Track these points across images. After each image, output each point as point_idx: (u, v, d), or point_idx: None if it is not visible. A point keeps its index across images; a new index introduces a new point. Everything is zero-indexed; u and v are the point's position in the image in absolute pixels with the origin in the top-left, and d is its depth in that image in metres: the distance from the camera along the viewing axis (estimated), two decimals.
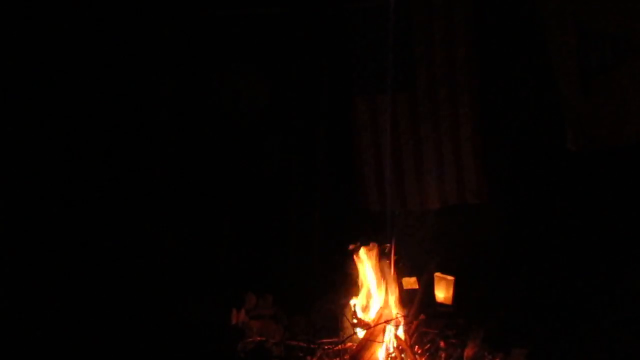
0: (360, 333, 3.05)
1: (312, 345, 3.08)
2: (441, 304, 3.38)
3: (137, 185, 3.91)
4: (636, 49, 3.22)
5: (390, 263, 3.16)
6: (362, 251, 3.15)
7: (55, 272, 3.56)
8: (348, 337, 3.06)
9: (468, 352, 2.90)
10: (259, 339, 3.18)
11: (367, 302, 3.16)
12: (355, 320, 3.08)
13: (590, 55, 3.31)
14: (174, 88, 4.01)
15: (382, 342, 2.93)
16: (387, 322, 2.98)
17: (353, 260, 3.17)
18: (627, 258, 3.43)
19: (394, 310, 3.05)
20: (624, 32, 3.23)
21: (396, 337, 2.98)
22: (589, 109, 3.31)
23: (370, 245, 3.16)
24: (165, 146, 4.01)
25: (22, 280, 3.46)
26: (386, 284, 3.10)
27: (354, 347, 2.98)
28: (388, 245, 3.21)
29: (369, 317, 3.10)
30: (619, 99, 3.24)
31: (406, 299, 3.18)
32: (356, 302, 3.14)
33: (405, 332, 3.05)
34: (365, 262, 3.14)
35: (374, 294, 3.14)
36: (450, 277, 3.39)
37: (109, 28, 3.82)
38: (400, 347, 2.94)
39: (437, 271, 3.42)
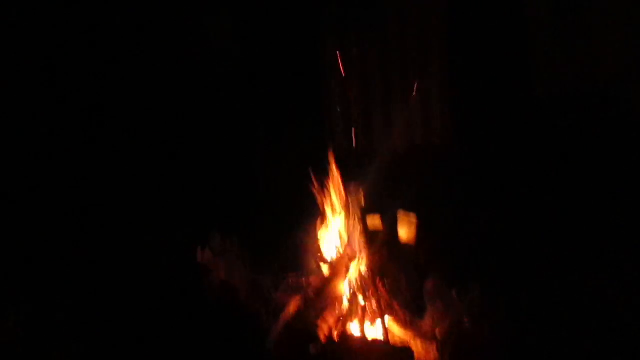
0: (325, 268, 3.11)
1: (276, 280, 3.13)
2: (404, 243, 3.45)
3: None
4: None
5: (354, 201, 3.20)
6: (326, 189, 3.18)
7: None
8: (312, 272, 3.12)
9: (427, 285, 2.99)
10: (223, 276, 3.21)
11: (332, 238, 3.21)
12: (318, 256, 3.13)
13: None
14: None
15: (345, 277, 3.00)
16: (351, 258, 3.04)
17: (318, 196, 3.19)
18: (588, 205, 3.54)
19: (357, 246, 3.11)
20: None
21: (359, 272, 3.04)
22: (558, 50, 3.33)
23: (336, 182, 3.18)
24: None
25: None
26: (350, 220, 3.14)
27: (319, 281, 3.04)
28: (353, 183, 3.23)
29: (333, 253, 3.16)
30: (589, 40, 3.26)
31: (370, 235, 3.23)
32: (320, 239, 3.19)
33: (368, 268, 3.11)
34: (331, 199, 3.17)
35: (338, 230, 3.18)
36: (413, 218, 3.46)
37: None
38: (363, 282, 3.01)
39: (401, 210, 3.48)
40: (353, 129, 3.75)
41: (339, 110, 3.76)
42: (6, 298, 3.01)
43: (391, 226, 3.44)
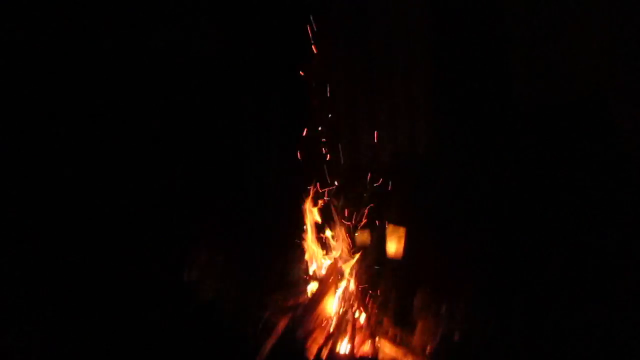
0: (313, 286, 3.09)
1: (264, 301, 3.10)
2: (391, 259, 3.44)
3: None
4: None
5: (340, 218, 3.19)
6: (312, 207, 3.17)
7: None
8: (300, 292, 3.09)
9: (417, 301, 2.98)
10: (211, 297, 3.18)
11: (319, 257, 3.19)
12: (306, 275, 3.11)
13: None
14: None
15: (334, 295, 2.98)
16: (338, 276, 3.02)
17: (305, 214, 3.18)
18: (577, 215, 3.53)
19: (345, 263, 3.09)
20: None
21: (347, 289, 3.03)
22: (540, 60, 3.36)
23: (322, 199, 3.18)
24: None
25: None
26: (337, 238, 3.13)
27: (307, 301, 3.02)
28: (339, 198, 3.23)
29: (321, 271, 3.13)
30: (569, 50, 3.29)
31: (358, 252, 3.22)
32: (309, 256, 3.17)
33: (357, 285, 3.09)
34: (316, 216, 3.16)
35: (327, 247, 3.17)
36: (402, 232, 3.45)
37: None
38: (352, 300, 3.00)
39: (389, 224, 3.47)
40: (339, 144, 3.73)
41: (322, 127, 3.74)
42: None
43: (380, 241, 3.44)
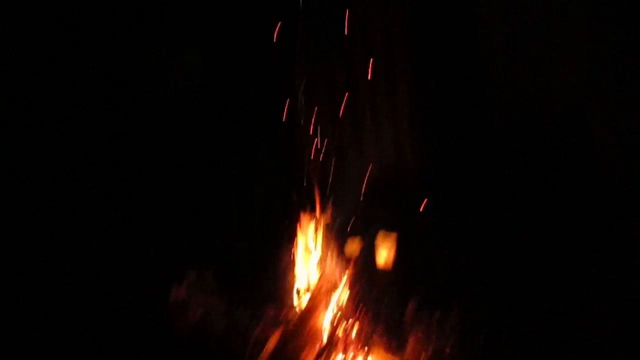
0: (304, 300, 3.07)
1: (254, 317, 3.07)
2: (381, 269, 3.43)
3: None
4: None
5: (329, 231, 3.18)
6: (302, 220, 3.15)
7: None
8: (291, 306, 3.07)
9: (408, 311, 2.97)
10: (200, 313, 3.14)
11: (309, 269, 3.17)
12: (297, 289, 3.09)
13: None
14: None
15: (325, 308, 2.96)
16: (329, 288, 3.01)
17: (293, 228, 3.16)
18: (564, 221, 3.55)
19: (335, 275, 3.08)
20: None
21: (338, 302, 3.01)
22: (518, 69, 3.41)
23: (310, 214, 3.16)
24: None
25: None
26: (327, 249, 3.12)
27: (299, 315, 3.00)
28: (328, 212, 3.21)
29: (312, 284, 3.12)
30: (544, 67, 3.36)
31: (348, 263, 3.20)
32: (298, 270, 3.15)
33: (348, 298, 3.08)
34: (304, 231, 3.14)
35: (316, 260, 3.15)
36: (391, 241, 3.44)
37: None
38: (344, 313, 2.98)
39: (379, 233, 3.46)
40: (326, 156, 3.72)
41: (310, 140, 3.73)
42: None
43: (369, 251, 3.43)
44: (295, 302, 3.11)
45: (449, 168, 3.73)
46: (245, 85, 3.90)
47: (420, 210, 3.47)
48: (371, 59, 3.56)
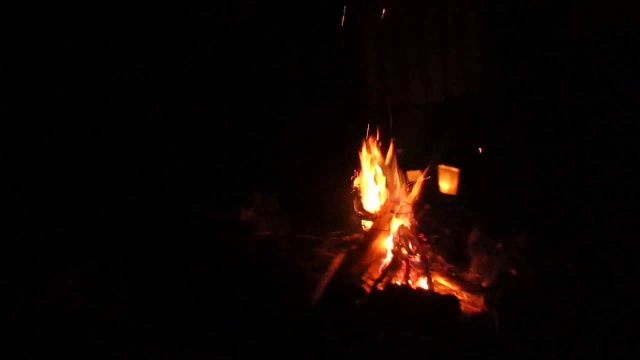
0: (367, 224, 3.12)
1: (319, 238, 3.15)
2: (446, 195, 3.43)
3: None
4: None
5: (393, 156, 3.17)
6: (365, 145, 3.15)
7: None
8: (356, 228, 3.13)
9: (472, 237, 2.97)
10: (268, 233, 3.25)
11: (373, 193, 3.20)
12: (361, 212, 3.13)
13: None
14: None
15: (389, 231, 3.00)
16: (393, 212, 3.03)
17: (357, 153, 3.17)
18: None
19: (400, 200, 3.10)
20: None
21: (402, 226, 3.04)
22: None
23: (372, 139, 3.15)
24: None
25: None
26: (391, 175, 3.12)
27: (361, 237, 3.06)
28: (391, 139, 3.19)
29: (375, 208, 3.15)
30: None
31: (411, 189, 3.21)
32: (362, 195, 3.19)
33: (411, 221, 3.11)
34: (369, 155, 3.15)
35: (379, 185, 3.17)
36: (455, 169, 3.42)
37: None
38: (406, 236, 3.01)
39: (441, 163, 3.44)
40: (389, 83, 3.65)
41: (373, 65, 3.63)
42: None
43: (433, 179, 3.42)
44: (360, 225, 3.17)
45: (516, 98, 3.61)
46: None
47: (480, 151, 3.40)
48: None
